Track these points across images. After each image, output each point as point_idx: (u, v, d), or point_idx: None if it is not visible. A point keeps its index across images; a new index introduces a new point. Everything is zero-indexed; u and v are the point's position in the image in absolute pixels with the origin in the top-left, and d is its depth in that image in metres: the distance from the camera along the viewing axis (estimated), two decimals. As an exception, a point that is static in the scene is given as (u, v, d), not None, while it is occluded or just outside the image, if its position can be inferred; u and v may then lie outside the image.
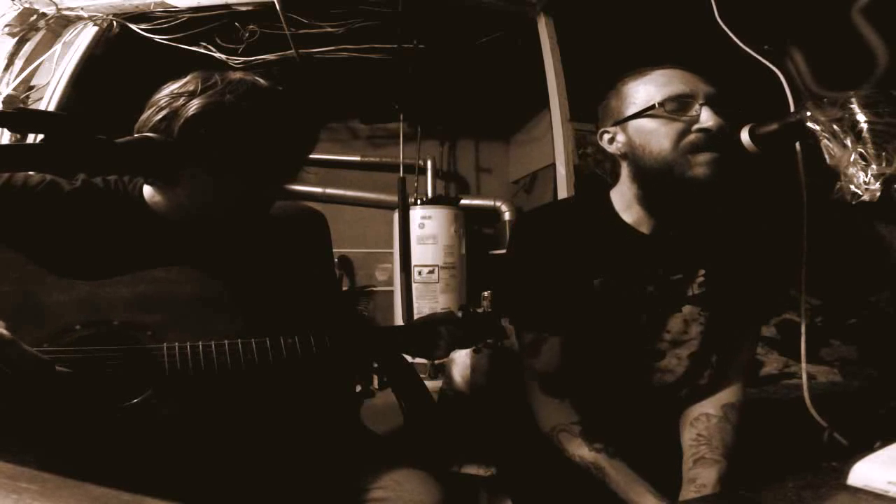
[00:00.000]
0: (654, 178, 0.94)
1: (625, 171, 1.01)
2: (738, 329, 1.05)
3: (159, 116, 0.79)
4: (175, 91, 0.81)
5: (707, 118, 0.90)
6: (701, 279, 1.02)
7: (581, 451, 0.93)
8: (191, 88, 0.81)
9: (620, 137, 0.99)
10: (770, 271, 1.07)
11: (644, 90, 0.96)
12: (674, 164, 0.91)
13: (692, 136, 0.91)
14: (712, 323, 1.02)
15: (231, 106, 0.80)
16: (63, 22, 2.49)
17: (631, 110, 0.96)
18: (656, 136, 0.93)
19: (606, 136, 1.01)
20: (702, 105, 0.91)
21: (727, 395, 1.03)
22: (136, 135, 0.70)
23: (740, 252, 1.04)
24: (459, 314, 1.03)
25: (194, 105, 0.79)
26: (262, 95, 0.84)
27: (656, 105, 0.92)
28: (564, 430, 0.95)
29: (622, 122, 0.97)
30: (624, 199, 1.02)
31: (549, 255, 1.00)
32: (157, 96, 0.82)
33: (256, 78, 0.87)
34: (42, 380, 0.69)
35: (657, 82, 0.95)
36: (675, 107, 0.92)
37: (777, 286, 1.14)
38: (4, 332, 0.66)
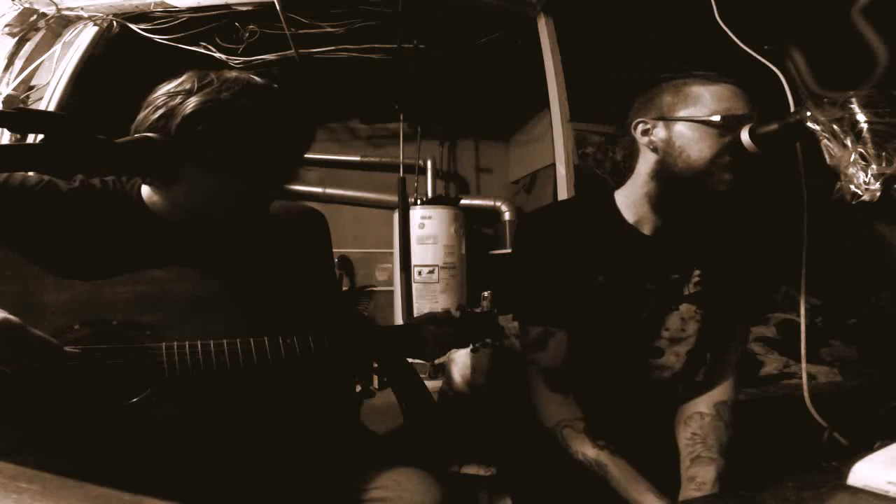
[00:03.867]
0: (680, 181, 0.96)
1: (645, 165, 1.01)
2: (731, 327, 1.07)
3: (156, 115, 0.79)
4: (171, 90, 0.81)
5: (750, 144, 0.91)
6: (697, 279, 1.03)
7: (584, 447, 0.93)
8: (187, 87, 0.81)
9: (660, 133, 0.98)
10: (762, 271, 1.09)
11: (706, 98, 0.95)
12: (707, 173, 0.93)
13: (730, 158, 0.92)
14: (708, 321, 1.04)
15: (228, 103, 0.80)
16: (63, 22, 2.49)
17: (687, 112, 0.96)
18: (700, 144, 0.93)
19: (641, 127, 1.01)
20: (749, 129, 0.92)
21: (719, 394, 1.04)
22: (134, 135, 0.70)
23: (734, 252, 1.05)
24: (457, 314, 1.03)
25: (191, 103, 0.79)
26: (259, 93, 0.84)
27: (718, 119, 0.92)
28: (568, 426, 0.95)
29: (671, 119, 0.97)
30: (632, 197, 1.03)
31: (553, 252, 1.01)
32: (154, 96, 0.82)
33: (252, 76, 0.87)
34: (52, 364, 0.70)
35: (721, 95, 0.95)
36: (731, 124, 0.92)
37: (768, 286, 1.16)
38: (12, 317, 0.66)
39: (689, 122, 0.95)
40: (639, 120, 1.01)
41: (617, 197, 1.05)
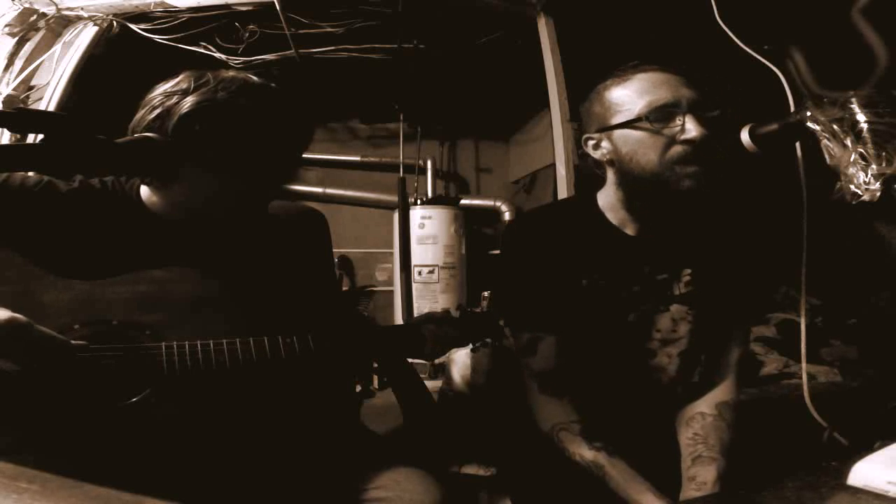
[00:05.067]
0: (642, 187, 0.95)
1: (611, 176, 1.01)
2: (727, 327, 1.06)
3: (153, 115, 0.80)
4: (168, 90, 0.81)
5: (691, 129, 0.89)
6: (687, 278, 1.02)
7: (581, 449, 0.93)
8: (183, 87, 0.81)
9: (606, 145, 0.98)
10: (757, 270, 1.08)
11: (626, 97, 0.94)
12: (661, 175, 0.91)
13: (678, 148, 0.90)
14: (700, 321, 1.03)
15: (224, 102, 0.81)
16: (63, 22, 2.49)
17: (615, 119, 0.95)
18: (643, 148, 0.92)
19: (591, 143, 1.00)
20: (685, 114, 0.90)
21: (721, 394, 1.03)
22: (134, 135, 0.70)
23: (726, 251, 1.04)
24: (457, 314, 1.03)
25: (188, 103, 0.79)
26: (255, 91, 0.84)
27: (642, 118, 0.91)
28: (564, 429, 0.95)
29: (606, 129, 0.96)
30: (609, 202, 1.03)
31: (539, 256, 1.01)
32: (151, 96, 0.82)
33: (249, 75, 0.87)
34: (60, 359, 0.70)
35: (639, 88, 0.93)
36: (659, 117, 0.90)
37: (765, 285, 1.14)
38: (19, 315, 0.66)
39: (621, 128, 0.93)
40: (586, 136, 1.01)
41: (599, 198, 1.04)
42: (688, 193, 0.90)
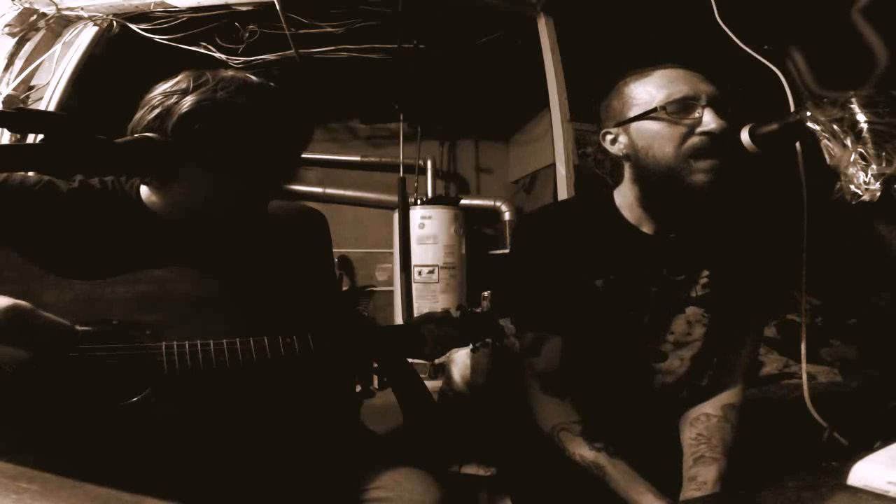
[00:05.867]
0: (656, 182, 0.94)
1: (627, 172, 1.00)
2: (741, 330, 1.05)
3: (152, 115, 0.80)
4: (167, 90, 0.82)
5: (710, 121, 0.89)
6: (705, 280, 1.01)
7: (581, 450, 0.93)
8: (183, 87, 0.81)
9: (622, 139, 0.98)
10: (772, 272, 1.07)
11: (646, 91, 0.95)
12: (676, 168, 0.91)
13: (695, 140, 0.90)
14: (715, 324, 1.02)
15: (224, 102, 0.81)
16: (63, 22, 2.50)
17: (633, 112, 0.95)
18: (659, 139, 0.92)
19: (609, 137, 1.00)
20: (704, 107, 0.90)
21: (728, 397, 1.02)
22: (134, 135, 0.70)
23: (743, 253, 1.03)
24: (457, 314, 1.03)
25: (187, 102, 0.79)
26: (254, 91, 0.84)
27: (658, 108, 0.91)
28: (565, 430, 0.95)
29: (624, 123, 0.96)
30: (626, 200, 1.02)
31: (551, 255, 1.00)
32: (150, 95, 0.82)
33: (248, 75, 0.87)
34: (65, 344, 0.70)
35: (658, 83, 0.94)
36: (678, 108, 0.90)
37: (779, 286, 1.13)
38: (22, 302, 0.66)
39: (638, 119, 0.94)
40: (604, 131, 1.01)
41: (616, 196, 1.04)
42: (700, 189, 0.90)
